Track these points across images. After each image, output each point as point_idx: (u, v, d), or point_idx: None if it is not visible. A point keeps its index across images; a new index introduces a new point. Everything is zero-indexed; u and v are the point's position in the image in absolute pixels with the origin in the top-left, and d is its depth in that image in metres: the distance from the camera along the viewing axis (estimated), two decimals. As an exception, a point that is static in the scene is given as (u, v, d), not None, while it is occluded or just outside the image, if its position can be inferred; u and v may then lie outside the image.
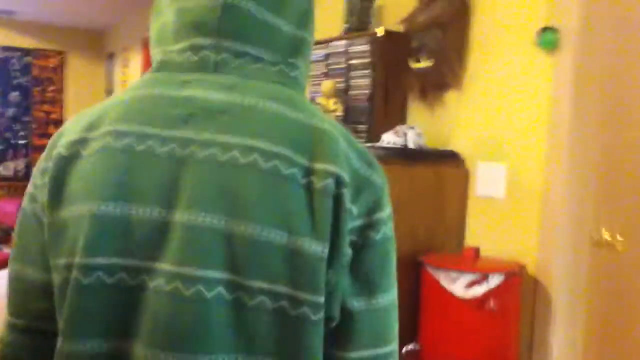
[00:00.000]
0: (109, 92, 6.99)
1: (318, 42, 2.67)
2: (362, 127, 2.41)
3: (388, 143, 2.16)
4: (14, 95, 6.83)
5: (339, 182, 0.63)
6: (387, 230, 0.68)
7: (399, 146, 2.14)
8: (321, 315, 0.63)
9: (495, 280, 1.80)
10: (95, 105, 0.72)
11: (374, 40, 2.38)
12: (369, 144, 2.24)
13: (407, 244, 2.03)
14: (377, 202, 0.67)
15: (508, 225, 2.07)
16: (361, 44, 2.43)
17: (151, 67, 0.73)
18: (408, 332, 1.97)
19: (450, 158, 2.21)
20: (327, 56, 2.59)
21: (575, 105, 1.92)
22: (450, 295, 1.83)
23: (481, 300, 1.80)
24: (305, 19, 0.73)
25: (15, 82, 6.80)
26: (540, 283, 1.96)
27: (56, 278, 0.66)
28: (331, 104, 2.38)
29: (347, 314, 0.66)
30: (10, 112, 6.87)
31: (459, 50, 2.22)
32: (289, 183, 0.63)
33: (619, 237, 1.93)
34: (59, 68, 6.96)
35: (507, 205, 2.08)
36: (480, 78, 2.19)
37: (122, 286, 0.64)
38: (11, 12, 6.20)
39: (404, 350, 1.97)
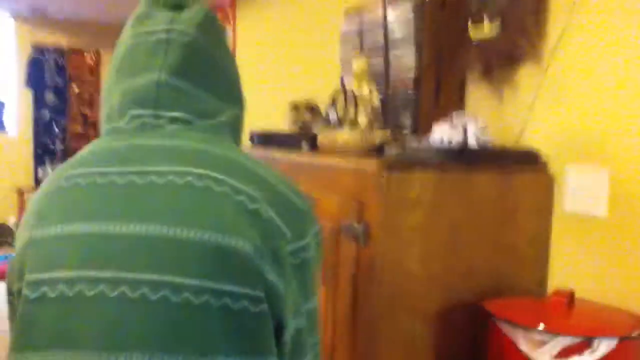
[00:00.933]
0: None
1: (349, 13, 2.10)
2: (405, 119, 1.82)
3: (440, 141, 1.57)
4: (50, 97, 6.57)
5: (269, 207, 0.76)
6: (315, 246, 0.82)
7: (455, 145, 1.55)
8: (262, 307, 0.72)
9: (604, 347, 1.18)
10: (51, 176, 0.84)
11: (420, 5, 1.79)
12: (414, 144, 1.66)
13: (464, 284, 1.43)
14: (305, 226, 0.80)
15: (614, 256, 1.44)
16: (403, 12, 1.84)
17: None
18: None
19: (527, 161, 1.59)
20: (360, 31, 2.01)
21: None
22: (533, 367, 1.22)
23: (582, 378, 1.18)
24: (230, 91, 0.90)
25: (50, 83, 6.53)
26: (670, 346, 1.32)
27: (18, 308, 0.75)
28: (364, 88, 1.80)
29: (297, 330, 0.78)
30: (47, 114, 6.61)
31: (537, 11, 1.60)
32: (221, 198, 0.74)
33: None
34: (95, 67, 6.65)
35: (612, 226, 1.45)
36: (568, 48, 1.56)
37: (62, 297, 0.70)
38: (43, 10, 5.90)
39: None
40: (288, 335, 0.76)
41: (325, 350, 1.52)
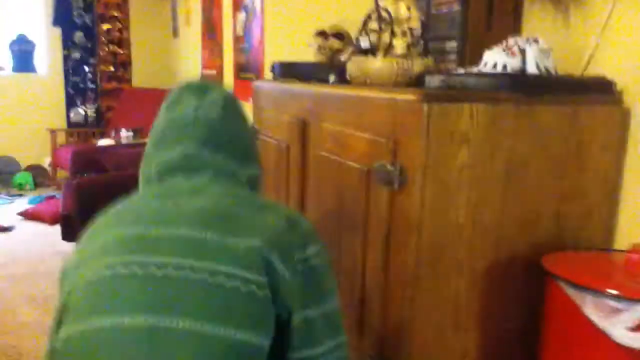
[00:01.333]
0: (176, 32, 6.40)
1: None
2: (450, 44, 1.56)
3: (494, 66, 1.33)
4: (79, 36, 6.41)
5: (279, 220, 1.00)
6: (321, 259, 1.01)
7: (511, 71, 1.30)
8: (265, 292, 0.90)
9: (694, 318, 0.96)
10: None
11: None
12: (461, 70, 1.41)
13: (520, 237, 1.21)
14: (309, 240, 1.00)
15: None
16: None
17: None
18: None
19: (598, 90, 1.33)
20: (399, -59, 1.73)
21: None
22: (603, 338, 1.01)
23: (666, 355, 0.97)
24: (247, 155, 1.13)
25: (78, 21, 6.36)
26: None
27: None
28: (403, 9, 1.54)
29: (306, 321, 0.96)
30: (76, 54, 6.47)
31: None
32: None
33: None
34: (123, 5, 6.44)
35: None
36: (656, -50, 1.27)
37: (103, 278, 0.93)
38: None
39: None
40: (296, 321, 0.93)
41: (354, 313, 1.34)
